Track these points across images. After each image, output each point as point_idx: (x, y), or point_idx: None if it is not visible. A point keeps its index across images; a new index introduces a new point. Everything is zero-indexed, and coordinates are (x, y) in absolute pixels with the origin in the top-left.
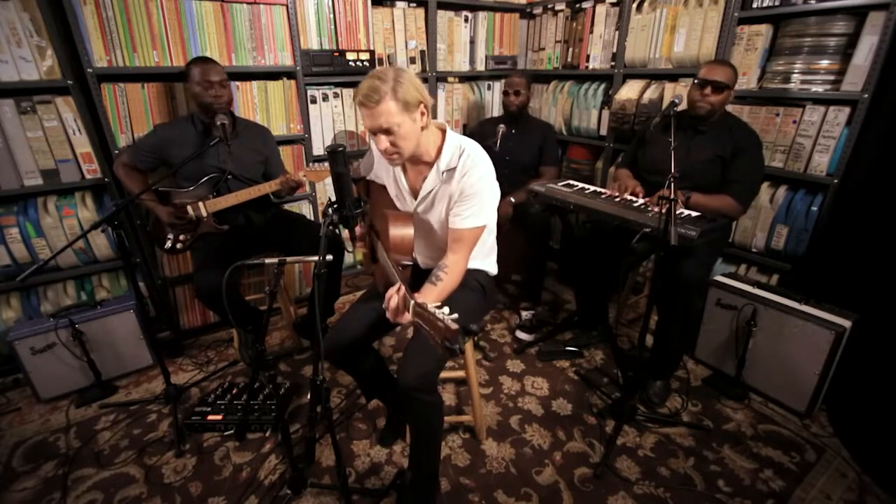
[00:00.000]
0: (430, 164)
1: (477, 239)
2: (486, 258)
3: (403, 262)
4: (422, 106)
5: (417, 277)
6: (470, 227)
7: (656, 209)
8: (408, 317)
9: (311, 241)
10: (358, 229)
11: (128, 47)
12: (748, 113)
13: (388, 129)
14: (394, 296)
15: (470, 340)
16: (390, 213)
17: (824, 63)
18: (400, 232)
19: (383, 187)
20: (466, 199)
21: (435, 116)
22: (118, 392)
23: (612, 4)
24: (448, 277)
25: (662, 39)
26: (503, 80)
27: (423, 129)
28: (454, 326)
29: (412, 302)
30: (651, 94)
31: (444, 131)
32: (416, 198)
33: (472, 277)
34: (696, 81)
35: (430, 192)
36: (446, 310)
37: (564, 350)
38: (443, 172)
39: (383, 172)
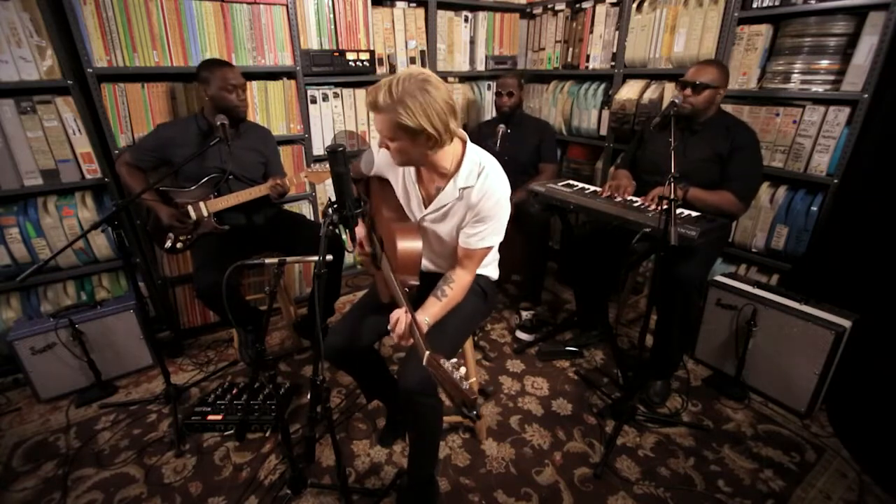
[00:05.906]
0: (446, 176)
1: (486, 255)
2: (489, 264)
3: (410, 281)
4: (426, 134)
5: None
6: (483, 248)
7: (653, 206)
8: (412, 341)
9: (311, 241)
10: (357, 230)
11: (128, 47)
12: (748, 113)
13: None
14: (401, 321)
15: (470, 340)
16: (397, 228)
17: (824, 63)
18: (408, 246)
19: (388, 185)
20: (482, 221)
21: None
22: (118, 392)
23: (612, 4)
24: (453, 293)
25: (662, 39)
26: (495, 81)
27: (430, 150)
28: (474, 396)
29: (427, 353)
30: (651, 94)
31: (464, 143)
32: (425, 206)
33: (475, 282)
34: (678, 81)
35: (444, 205)
36: (463, 370)
37: (564, 350)
38: (459, 189)
39: (387, 169)
